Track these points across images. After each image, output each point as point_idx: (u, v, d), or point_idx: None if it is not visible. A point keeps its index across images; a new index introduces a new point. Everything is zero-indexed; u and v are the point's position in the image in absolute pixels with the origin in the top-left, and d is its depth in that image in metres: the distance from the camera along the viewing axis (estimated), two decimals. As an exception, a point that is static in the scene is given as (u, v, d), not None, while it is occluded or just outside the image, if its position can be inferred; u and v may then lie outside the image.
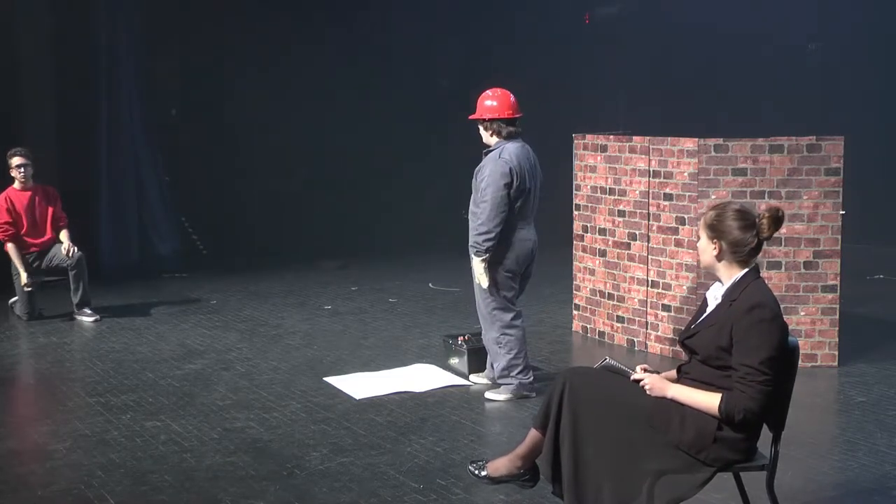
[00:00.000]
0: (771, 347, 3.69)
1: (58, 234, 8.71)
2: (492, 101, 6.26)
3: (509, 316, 6.25)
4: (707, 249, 3.91)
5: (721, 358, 3.78)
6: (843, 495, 4.82)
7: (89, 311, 8.60)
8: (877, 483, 4.94)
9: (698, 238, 3.98)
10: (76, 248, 8.57)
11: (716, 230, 3.87)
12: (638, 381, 3.94)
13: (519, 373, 6.25)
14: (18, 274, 8.47)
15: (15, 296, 8.67)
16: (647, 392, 3.86)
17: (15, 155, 8.55)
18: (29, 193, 8.60)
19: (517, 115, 6.27)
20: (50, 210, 8.66)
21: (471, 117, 6.36)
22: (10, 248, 8.50)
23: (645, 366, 4.09)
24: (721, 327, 3.79)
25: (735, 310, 3.77)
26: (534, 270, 6.41)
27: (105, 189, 10.55)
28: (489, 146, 6.30)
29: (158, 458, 5.32)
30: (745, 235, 3.83)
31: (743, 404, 3.67)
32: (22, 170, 8.51)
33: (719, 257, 3.88)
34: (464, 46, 13.21)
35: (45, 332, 8.19)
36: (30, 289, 8.46)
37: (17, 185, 8.59)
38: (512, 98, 6.26)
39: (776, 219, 3.84)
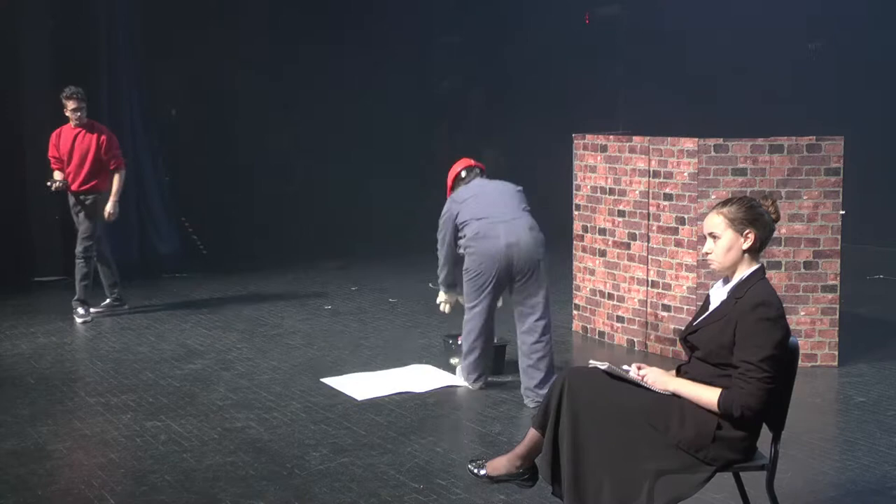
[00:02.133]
0: (772, 346, 3.69)
1: (108, 176, 8.63)
2: (448, 181, 6.72)
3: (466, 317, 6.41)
4: (736, 244, 3.85)
5: (722, 355, 3.78)
6: (843, 495, 4.82)
7: (81, 311, 8.59)
8: (877, 483, 4.94)
9: (713, 238, 3.89)
10: (112, 213, 8.57)
11: (745, 221, 3.84)
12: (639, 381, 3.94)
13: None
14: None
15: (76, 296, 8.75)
16: (649, 386, 3.86)
17: (71, 98, 8.42)
18: (75, 131, 8.51)
19: (470, 165, 6.68)
20: (92, 145, 8.50)
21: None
22: (56, 172, 8.54)
23: (640, 364, 4.07)
24: (725, 324, 3.79)
25: (740, 307, 3.77)
26: (533, 270, 6.18)
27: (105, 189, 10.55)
28: None
29: (158, 458, 5.32)
30: (768, 221, 3.88)
31: (742, 401, 3.67)
32: (78, 113, 8.44)
33: (753, 247, 3.86)
34: (464, 47, 13.23)
35: (45, 332, 8.19)
36: (58, 183, 8.45)
37: (71, 123, 8.52)
38: (457, 165, 6.71)
39: (774, 200, 3.95)
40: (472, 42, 13.18)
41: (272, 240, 11.48)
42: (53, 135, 8.58)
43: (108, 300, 8.87)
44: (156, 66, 10.99)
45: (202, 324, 8.49)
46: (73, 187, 8.54)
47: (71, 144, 8.50)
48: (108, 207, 8.56)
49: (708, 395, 3.75)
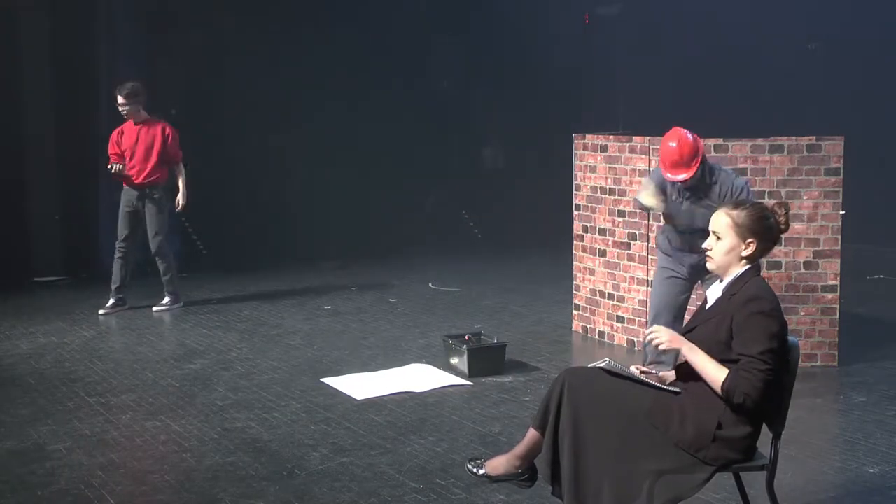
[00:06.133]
0: (769, 339, 3.69)
1: (168, 170, 8.81)
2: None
3: None
4: (736, 249, 3.87)
5: (719, 352, 3.78)
6: (843, 495, 4.82)
7: (163, 302, 8.91)
8: (877, 483, 4.94)
9: (716, 237, 3.91)
10: (183, 202, 8.80)
11: (750, 230, 3.86)
12: (646, 372, 3.99)
13: None
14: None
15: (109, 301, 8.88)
16: (664, 345, 3.82)
17: (118, 94, 8.70)
18: (138, 127, 8.74)
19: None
20: (157, 139, 8.71)
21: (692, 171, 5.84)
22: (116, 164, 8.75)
23: (640, 366, 4.09)
24: (720, 321, 3.80)
25: (734, 303, 3.78)
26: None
27: (105, 189, 10.55)
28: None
29: (158, 458, 5.32)
30: (775, 233, 3.90)
31: (745, 388, 3.67)
32: (125, 108, 8.69)
33: (752, 256, 3.88)
34: (464, 47, 13.22)
35: (45, 332, 8.19)
36: (118, 166, 8.63)
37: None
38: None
39: (787, 210, 3.94)
40: (472, 42, 13.16)
41: (272, 240, 11.47)
42: (115, 132, 8.79)
43: (112, 300, 8.88)
44: (156, 66, 10.97)
45: (202, 324, 8.49)
46: (138, 181, 8.70)
47: (135, 139, 8.70)
48: (180, 199, 8.81)
49: (715, 373, 3.74)
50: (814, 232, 6.93)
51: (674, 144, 5.81)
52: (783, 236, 6.70)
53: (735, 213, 3.89)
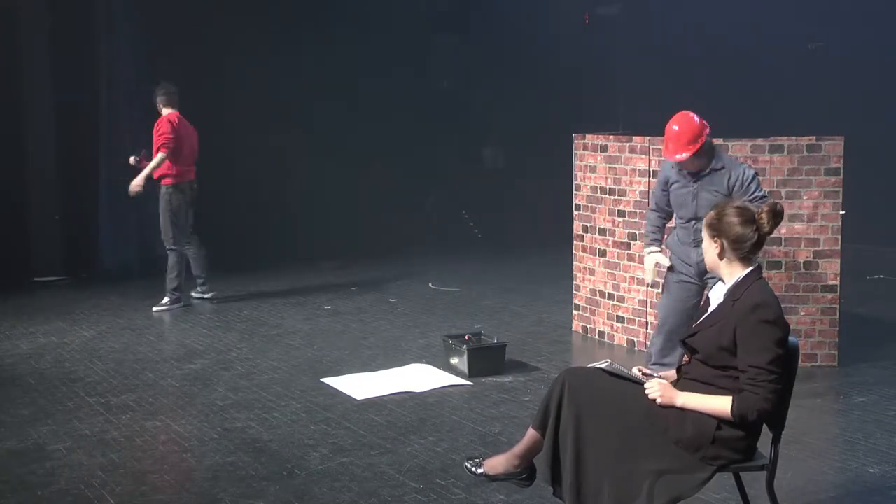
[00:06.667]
0: (776, 346, 3.69)
1: (180, 166, 9.03)
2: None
3: None
4: (710, 249, 3.95)
5: (721, 358, 3.78)
6: (843, 495, 4.82)
7: (163, 302, 8.95)
8: (877, 483, 4.95)
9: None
10: (139, 189, 8.87)
11: (716, 228, 3.91)
12: (648, 374, 3.97)
13: None
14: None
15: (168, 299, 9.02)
16: (657, 403, 3.82)
17: None
18: None
19: None
20: (154, 140, 8.91)
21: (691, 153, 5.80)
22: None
23: (642, 367, 4.09)
24: (723, 327, 3.79)
25: (738, 309, 3.77)
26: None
27: (105, 189, 10.55)
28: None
29: (158, 458, 5.32)
30: (745, 231, 3.86)
31: (757, 406, 3.67)
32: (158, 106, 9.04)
33: (721, 255, 3.91)
34: (463, 47, 13.23)
35: (45, 332, 8.19)
36: (131, 159, 8.93)
37: None
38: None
39: (775, 213, 3.88)
40: (472, 42, 13.18)
41: (272, 240, 11.47)
42: None
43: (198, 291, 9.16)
44: (156, 66, 10.97)
45: (202, 324, 8.49)
46: (154, 177, 8.91)
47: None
48: (136, 180, 8.84)
49: (719, 405, 3.74)
50: (814, 232, 6.93)
51: (676, 127, 5.83)
52: (783, 236, 6.79)
53: (710, 212, 3.98)
